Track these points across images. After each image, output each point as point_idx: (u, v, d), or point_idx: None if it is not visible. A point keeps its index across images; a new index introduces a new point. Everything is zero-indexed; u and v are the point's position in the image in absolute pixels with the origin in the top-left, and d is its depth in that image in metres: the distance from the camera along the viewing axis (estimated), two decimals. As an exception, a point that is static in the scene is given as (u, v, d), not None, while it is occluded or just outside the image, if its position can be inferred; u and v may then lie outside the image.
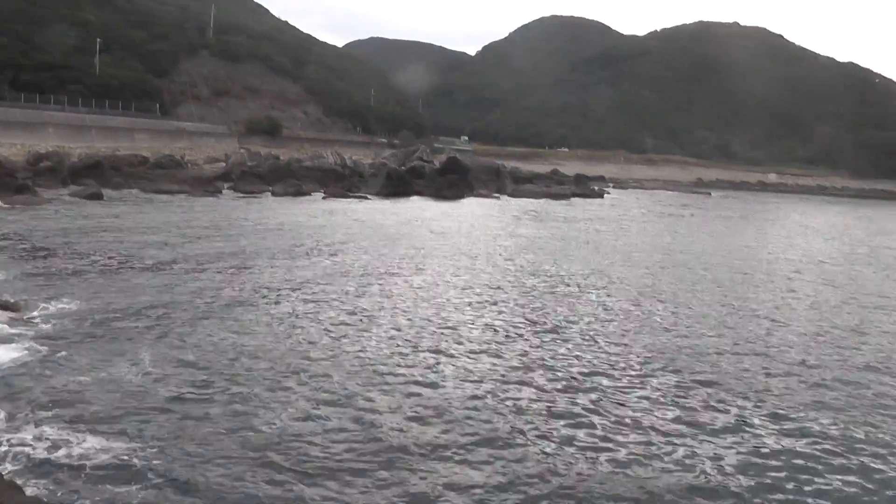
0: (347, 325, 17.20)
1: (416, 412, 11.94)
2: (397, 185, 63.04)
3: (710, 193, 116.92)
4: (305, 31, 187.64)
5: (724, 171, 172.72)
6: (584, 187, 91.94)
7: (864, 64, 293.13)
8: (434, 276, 24.71)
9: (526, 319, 18.86)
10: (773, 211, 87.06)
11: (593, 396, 13.15)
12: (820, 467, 10.77)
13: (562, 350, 16.12)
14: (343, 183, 62.84)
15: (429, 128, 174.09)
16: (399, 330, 17.00)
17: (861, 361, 16.67)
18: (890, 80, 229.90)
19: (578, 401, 12.87)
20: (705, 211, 75.41)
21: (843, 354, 17.20)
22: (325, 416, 11.47)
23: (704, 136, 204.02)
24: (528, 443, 10.97)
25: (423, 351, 15.36)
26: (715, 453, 10.99)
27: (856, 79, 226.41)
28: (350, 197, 56.69)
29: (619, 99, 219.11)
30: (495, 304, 20.65)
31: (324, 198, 54.88)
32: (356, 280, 22.95)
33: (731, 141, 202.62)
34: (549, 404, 12.65)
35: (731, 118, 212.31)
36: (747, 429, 12.07)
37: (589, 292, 23.38)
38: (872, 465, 10.97)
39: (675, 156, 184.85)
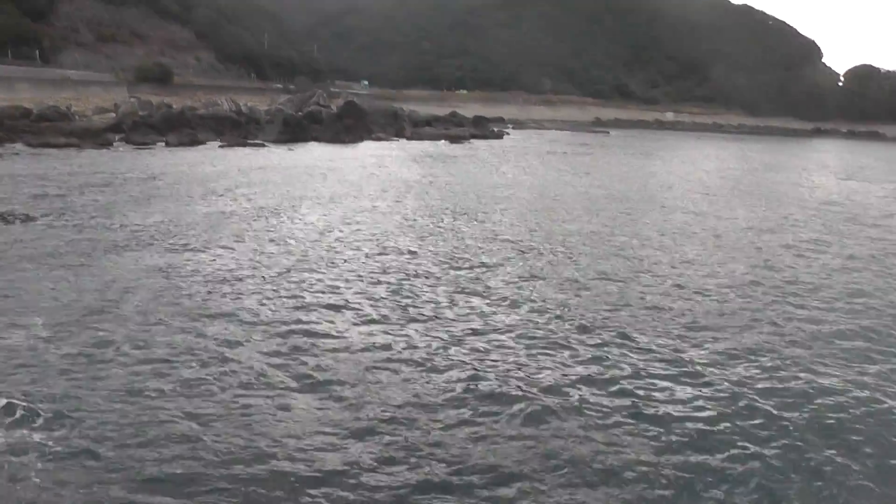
0: (241, 268, 16.86)
1: (305, 348, 11.94)
2: (294, 130, 62.06)
3: (608, 132, 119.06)
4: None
5: (621, 111, 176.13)
6: (484, 129, 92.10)
7: (757, 6, 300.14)
8: (322, 218, 24.70)
9: (440, 260, 18.79)
10: (671, 148, 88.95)
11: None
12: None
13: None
14: (239, 130, 61.41)
15: (326, 72, 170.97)
16: (288, 271, 16.87)
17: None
18: (782, 22, 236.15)
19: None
20: (605, 149, 76.67)
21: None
22: (223, 363, 11.25)
23: (601, 77, 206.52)
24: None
25: (312, 291, 15.30)
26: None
27: (750, 20, 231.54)
28: (247, 145, 55.40)
29: (517, 41, 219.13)
30: (383, 240, 20.52)
31: (220, 146, 53.45)
32: (249, 224, 22.69)
33: (629, 81, 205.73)
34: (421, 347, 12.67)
35: (628, 59, 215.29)
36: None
37: (484, 223, 23.48)
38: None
39: (573, 96, 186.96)
